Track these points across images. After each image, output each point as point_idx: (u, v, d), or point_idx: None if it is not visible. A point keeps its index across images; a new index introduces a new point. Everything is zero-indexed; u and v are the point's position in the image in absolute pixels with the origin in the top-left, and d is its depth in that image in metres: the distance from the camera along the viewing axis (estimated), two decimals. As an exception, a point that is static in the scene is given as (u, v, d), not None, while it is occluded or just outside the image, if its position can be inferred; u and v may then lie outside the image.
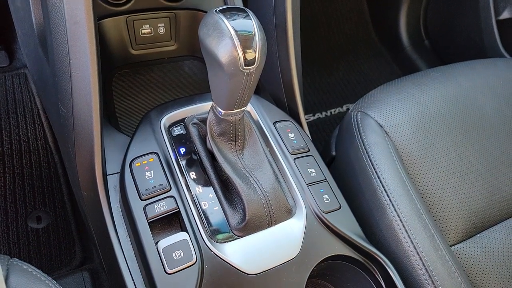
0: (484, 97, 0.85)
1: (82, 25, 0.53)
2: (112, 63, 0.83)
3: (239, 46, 0.47)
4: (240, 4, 0.91)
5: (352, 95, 1.50)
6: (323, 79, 1.53)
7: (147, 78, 0.86)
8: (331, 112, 1.44)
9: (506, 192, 0.78)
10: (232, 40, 0.47)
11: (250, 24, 0.48)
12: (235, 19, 0.48)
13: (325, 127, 1.40)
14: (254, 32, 0.48)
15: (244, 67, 0.48)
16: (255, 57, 0.48)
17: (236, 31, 0.47)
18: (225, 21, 0.48)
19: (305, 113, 1.43)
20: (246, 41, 0.47)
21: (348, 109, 1.47)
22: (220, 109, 0.55)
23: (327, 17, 1.69)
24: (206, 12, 0.86)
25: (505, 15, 1.35)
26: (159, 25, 0.84)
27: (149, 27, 0.83)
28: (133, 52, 0.85)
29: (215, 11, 0.49)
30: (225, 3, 0.88)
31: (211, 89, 0.54)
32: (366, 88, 1.54)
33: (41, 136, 1.10)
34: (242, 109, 0.55)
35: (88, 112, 0.56)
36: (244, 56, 0.47)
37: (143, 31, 0.83)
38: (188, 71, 0.90)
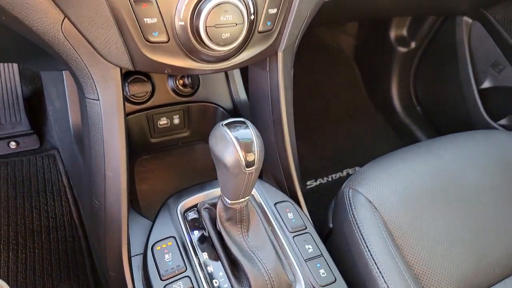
0: (465, 169, 0.95)
1: (115, 131, 0.65)
2: (135, 152, 0.95)
3: (241, 152, 0.58)
4: (243, 94, 1.05)
5: (351, 161, 1.61)
6: (323, 146, 1.65)
7: (165, 163, 0.98)
8: (332, 178, 1.54)
9: (492, 258, 0.85)
10: (235, 147, 0.58)
11: (249, 132, 0.60)
12: (237, 130, 0.60)
13: (327, 192, 1.49)
14: (253, 139, 0.60)
15: (246, 169, 0.59)
16: (254, 159, 0.59)
17: (238, 139, 0.59)
18: (229, 132, 0.59)
19: (308, 179, 1.53)
20: (246, 146, 0.59)
21: (348, 174, 1.57)
22: (227, 199, 0.65)
23: (325, 88, 1.84)
24: (213, 103, 1.01)
25: (485, 84, 1.48)
26: (174, 116, 0.98)
27: (166, 119, 0.97)
28: (152, 140, 0.98)
29: (221, 124, 0.61)
30: (231, 96, 1.03)
31: (219, 183, 0.65)
32: (364, 153, 1.65)
33: (66, 212, 1.21)
34: (246, 198, 0.66)
35: (118, 205, 0.67)
36: (246, 159, 0.59)
37: (160, 122, 0.97)
38: (200, 154, 1.02)
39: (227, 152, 0.59)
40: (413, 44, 1.65)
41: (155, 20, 0.55)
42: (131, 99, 0.92)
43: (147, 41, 0.57)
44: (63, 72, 0.93)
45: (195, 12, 0.55)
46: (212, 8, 0.55)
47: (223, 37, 0.58)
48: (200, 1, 0.55)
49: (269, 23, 0.64)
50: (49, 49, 0.60)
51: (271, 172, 0.88)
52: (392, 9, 1.39)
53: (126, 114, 0.88)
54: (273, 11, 0.63)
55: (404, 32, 1.66)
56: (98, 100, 0.62)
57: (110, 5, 0.53)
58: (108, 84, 0.61)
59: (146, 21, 0.55)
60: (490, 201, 0.91)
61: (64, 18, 0.55)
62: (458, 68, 1.52)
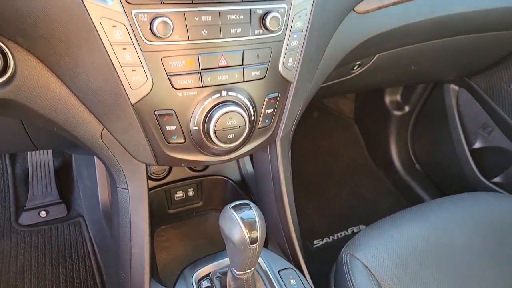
0: (454, 232, 1.03)
1: (141, 214, 0.77)
2: (155, 222, 1.07)
3: (246, 231, 0.70)
4: (250, 167, 1.18)
5: (355, 219, 1.69)
6: (328, 205, 1.74)
7: (181, 232, 1.09)
8: (337, 236, 1.62)
9: (484, 318, 0.91)
10: (240, 227, 0.70)
11: (253, 213, 0.72)
12: (242, 211, 0.72)
13: (334, 250, 1.55)
14: (256, 219, 0.71)
15: (250, 245, 0.70)
16: (257, 236, 0.70)
17: (243, 220, 0.70)
18: (235, 214, 0.71)
19: (314, 239, 1.61)
20: (250, 226, 0.70)
21: (353, 232, 1.65)
22: (235, 270, 0.75)
23: (327, 147, 1.97)
24: (223, 176, 1.14)
25: (477, 145, 1.59)
26: (188, 189, 1.11)
27: (182, 192, 1.09)
28: (170, 211, 1.10)
29: (229, 207, 0.73)
30: (239, 169, 1.16)
31: (228, 256, 0.75)
32: (367, 211, 1.74)
33: (90, 277, 1.31)
34: (252, 269, 0.76)
35: (141, 276, 0.78)
36: (250, 237, 0.70)
37: (177, 195, 1.09)
38: (212, 223, 1.13)
39: (234, 232, 0.70)
40: (407, 108, 1.79)
41: (174, 127, 0.69)
42: (152, 176, 1.05)
43: (168, 143, 0.71)
44: (94, 156, 1.07)
45: (206, 119, 0.69)
46: (220, 116, 0.69)
47: (229, 137, 0.71)
48: (210, 111, 0.69)
49: (267, 120, 0.78)
50: (88, 149, 0.74)
51: (275, 240, 0.98)
52: (385, 83, 1.54)
53: (148, 189, 1.02)
54: (269, 111, 0.77)
55: (398, 97, 1.80)
56: (127, 189, 0.75)
57: (140, 119, 0.67)
58: (136, 176, 0.74)
59: (168, 128, 0.69)
60: (478, 264, 0.98)
61: (103, 129, 0.69)
62: (449, 130, 1.63)
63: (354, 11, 0.88)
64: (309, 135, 1.94)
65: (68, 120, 0.67)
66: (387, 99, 1.81)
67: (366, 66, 1.09)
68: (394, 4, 0.92)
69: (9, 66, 0.62)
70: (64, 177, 1.56)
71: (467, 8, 1.01)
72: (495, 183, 1.54)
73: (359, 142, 2.00)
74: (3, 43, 0.60)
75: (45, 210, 1.46)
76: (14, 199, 1.47)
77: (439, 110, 1.66)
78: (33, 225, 1.43)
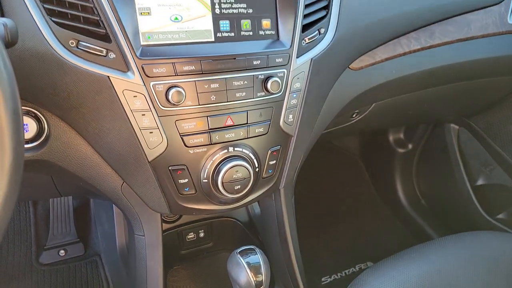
0: (454, 271, 1.07)
1: (156, 258, 0.84)
2: (168, 264, 1.13)
3: (251, 275, 0.76)
4: (257, 208, 1.24)
5: (363, 255, 1.72)
6: (336, 241, 1.78)
7: (193, 272, 1.15)
8: (345, 273, 1.65)
9: None
10: (246, 272, 0.76)
11: (258, 258, 0.78)
12: (248, 256, 0.78)
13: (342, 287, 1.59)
14: (261, 264, 0.77)
15: (255, 289, 0.76)
16: (262, 280, 0.76)
17: (249, 264, 0.77)
18: (242, 259, 0.78)
19: (322, 275, 1.65)
20: (255, 270, 0.76)
21: (360, 268, 1.68)
22: (243, 312, 0.81)
23: (333, 184, 2.03)
24: (232, 218, 1.20)
25: (480, 182, 1.63)
26: (199, 231, 1.17)
27: (193, 233, 1.16)
28: (182, 252, 1.16)
29: (236, 252, 0.79)
30: (247, 211, 1.22)
31: (236, 299, 0.81)
32: (375, 247, 1.77)
33: (106, 315, 1.36)
34: (258, 310, 0.81)
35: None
36: (255, 280, 0.76)
37: (188, 237, 1.16)
38: (222, 262, 1.19)
39: (240, 276, 0.76)
40: (410, 146, 1.85)
41: (186, 180, 0.77)
42: (165, 219, 1.13)
43: (181, 194, 0.78)
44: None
45: (215, 173, 0.77)
46: (227, 170, 0.76)
47: (236, 188, 0.78)
48: (218, 165, 0.77)
49: (270, 171, 0.86)
50: (109, 199, 0.83)
51: (281, 280, 1.04)
52: (385, 126, 1.62)
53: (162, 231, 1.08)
54: (272, 162, 0.85)
55: (401, 135, 1.87)
56: (144, 236, 0.82)
57: (156, 174, 0.75)
58: (152, 224, 0.81)
59: (180, 181, 0.77)
60: (481, 302, 1.01)
61: (123, 183, 0.78)
62: (452, 167, 1.68)
63: (349, 68, 0.97)
64: (315, 172, 2.00)
65: (92, 175, 0.76)
66: (391, 137, 1.87)
67: (364, 114, 1.17)
68: (386, 60, 1.01)
69: (43, 131, 0.71)
70: (82, 217, 1.65)
71: (452, 60, 1.09)
72: (498, 220, 1.57)
73: (365, 178, 2.06)
74: (39, 112, 0.70)
75: (63, 249, 1.54)
76: (36, 239, 1.55)
77: (441, 148, 1.71)
78: (53, 263, 1.50)
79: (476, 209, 1.59)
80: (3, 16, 0.62)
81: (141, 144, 0.72)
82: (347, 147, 2.13)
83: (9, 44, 0.49)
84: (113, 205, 1.13)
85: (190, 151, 0.75)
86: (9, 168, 0.42)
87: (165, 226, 1.12)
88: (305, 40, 0.83)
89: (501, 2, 1.12)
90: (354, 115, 1.18)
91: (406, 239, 1.82)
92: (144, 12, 0.70)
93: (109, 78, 0.67)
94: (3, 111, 0.41)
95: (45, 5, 0.64)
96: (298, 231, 1.03)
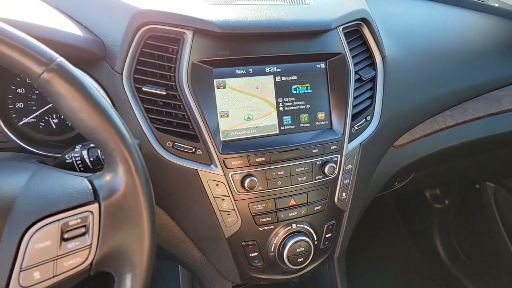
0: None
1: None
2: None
3: None
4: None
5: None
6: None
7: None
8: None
9: None
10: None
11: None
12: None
13: None
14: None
15: None
16: None
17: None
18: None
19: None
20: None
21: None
22: None
23: (373, 239, 2.08)
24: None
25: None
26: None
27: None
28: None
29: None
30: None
31: None
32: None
33: None
34: None
35: None
36: None
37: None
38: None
39: None
40: (446, 201, 1.91)
41: (256, 254, 0.89)
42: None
43: (251, 266, 0.90)
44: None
45: (281, 247, 0.88)
46: (292, 245, 0.88)
47: (299, 261, 0.89)
48: (283, 240, 0.88)
49: (326, 243, 0.96)
50: (187, 269, 0.95)
51: None
52: (423, 187, 1.70)
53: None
54: (328, 235, 0.96)
55: (437, 191, 1.94)
56: (216, 300, 0.94)
57: (229, 246, 0.88)
58: (224, 291, 0.93)
59: (251, 255, 0.89)
60: None
61: (202, 256, 0.90)
62: (490, 223, 1.73)
63: (393, 146, 1.09)
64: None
65: (178, 250, 0.89)
66: (427, 193, 1.94)
67: (404, 182, 1.28)
68: (424, 136, 1.13)
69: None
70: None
71: (485, 133, 1.19)
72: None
73: (403, 233, 2.10)
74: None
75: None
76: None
77: (478, 204, 1.77)
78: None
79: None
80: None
81: (220, 224, 0.85)
82: (382, 199, 2.20)
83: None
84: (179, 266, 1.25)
85: (259, 228, 0.88)
86: (148, 250, 0.55)
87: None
88: (354, 128, 0.96)
89: (528, 78, 1.23)
90: (395, 183, 1.28)
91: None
92: (223, 115, 0.85)
93: (197, 171, 0.81)
94: (144, 207, 0.55)
95: (149, 115, 0.80)
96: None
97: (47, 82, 0.47)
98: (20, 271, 0.48)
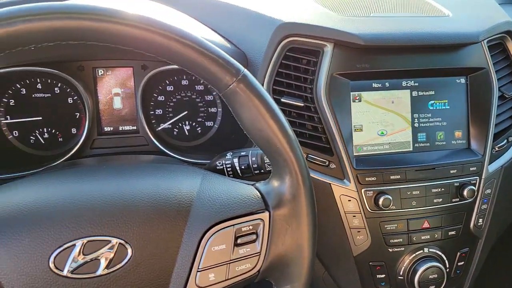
0: None
1: None
2: None
3: None
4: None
5: None
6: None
7: None
8: None
9: None
10: None
11: None
12: None
13: None
14: None
15: None
16: None
17: None
18: None
19: None
20: None
21: None
22: None
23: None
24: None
25: None
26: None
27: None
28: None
29: None
30: None
31: None
32: None
33: None
34: None
35: None
36: None
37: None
38: None
39: None
40: None
41: (383, 276, 0.85)
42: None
43: (376, 287, 0.86)
44: None
45: (411, 271, 0.83)
46: (424, 271, 0.82)
47: (430, 288, 0.83)
48: (414, 265, 0.83)
49: (458, 272, 0.89)
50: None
51: None
52: None
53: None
54: (460, 263, 0.88)
55: None
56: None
57: (357, 267, 0.84)
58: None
59: (378, 276, 0.85)
60: None
61: (324, 272, 0.88)
62: None
63: (534, 171, 0.98)
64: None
65: None
66: None
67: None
68: None
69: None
70: None
71: None
72: None
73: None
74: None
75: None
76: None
77: None
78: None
79: None
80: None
81: (349, 241, 0.82)
82: None
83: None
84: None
85: (389, 249, 0.83)
86: (308, 264, 0.55)
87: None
88: (495, 149, 0.88)
89: None
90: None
91: None
92: (358, 129, 0.83)
93: (330, 185, 0.80)
94: (307, 221, 0.54)
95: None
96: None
97: (234, 92, 0.49)
98: (198, 271, 0.50)
